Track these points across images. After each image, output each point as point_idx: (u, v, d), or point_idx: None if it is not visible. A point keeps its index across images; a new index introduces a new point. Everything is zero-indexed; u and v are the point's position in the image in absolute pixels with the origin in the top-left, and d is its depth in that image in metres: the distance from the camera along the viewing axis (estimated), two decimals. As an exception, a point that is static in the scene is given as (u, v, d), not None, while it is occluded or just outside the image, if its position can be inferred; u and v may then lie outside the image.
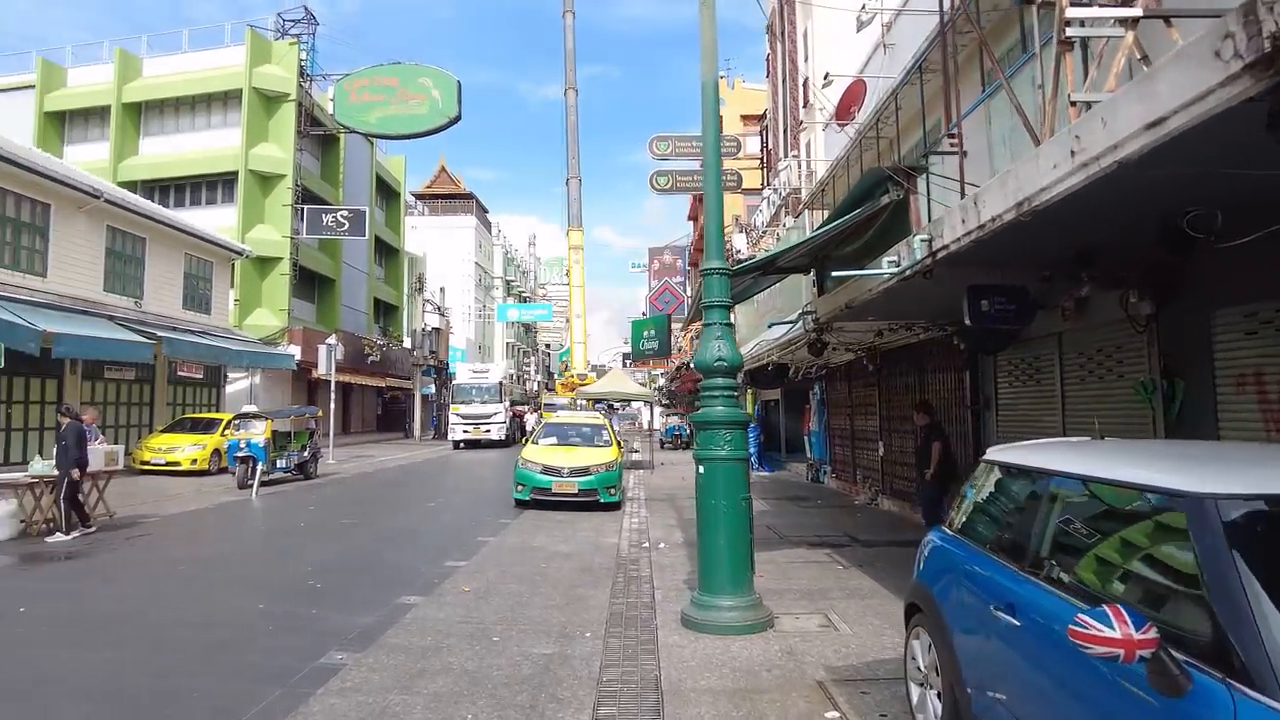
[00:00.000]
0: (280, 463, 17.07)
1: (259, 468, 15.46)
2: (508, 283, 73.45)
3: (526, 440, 14.70)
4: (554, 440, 14.34)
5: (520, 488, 12.90)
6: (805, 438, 18.94)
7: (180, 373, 22.87)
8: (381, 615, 6.20)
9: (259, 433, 16.49)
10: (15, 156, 17.26)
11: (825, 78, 13.56)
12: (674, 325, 40.03)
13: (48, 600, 6.62)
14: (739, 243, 18.41)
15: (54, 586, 7.23)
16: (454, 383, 35.45)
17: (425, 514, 12.58)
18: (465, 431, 32.81)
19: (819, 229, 8.88)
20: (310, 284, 34.77)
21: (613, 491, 12.86)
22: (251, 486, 15.16)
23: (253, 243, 28.93)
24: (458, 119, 31.98)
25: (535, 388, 71.51)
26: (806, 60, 20.55)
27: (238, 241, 27.49)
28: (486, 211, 68.59)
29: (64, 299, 18.21)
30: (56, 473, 10.10)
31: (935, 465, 8.74)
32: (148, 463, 18.47)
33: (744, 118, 35.59)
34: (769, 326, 12.54)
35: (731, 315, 6.81)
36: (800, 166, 20.11)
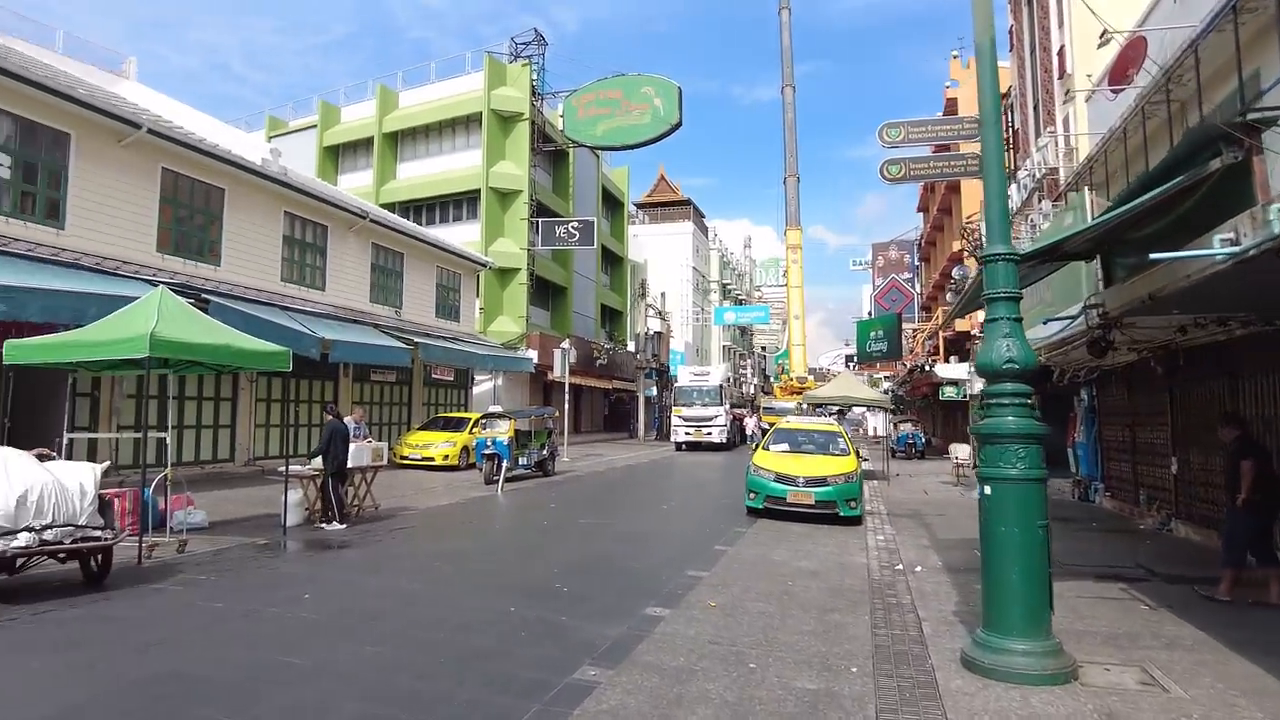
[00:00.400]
0: (522, 460, 17.94)
1: (504, 465, 16.31)
2: (724, 286, 73.48)
3: (755, 446, 14.20)
4: (786, 447, 13.71)
5: (753, 495, 12.43)
6: (1069, 450, 16.75)
7: (434, 375, 24.92)
8: (630, 627, 5.99)
9: (503, 431, 17.41)
10: (304, 186, 19.69)
11: (1101, 36, 11.77)
12: (904, 325, 37.80)
13: (326, 588, 7.12)
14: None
15: (331, 575, 7.79)
16: (675, 385, 35.84)
17: (659, 517, 12.51)
18: (687, 434, 32.98)
19: (1115, 207, 7.56)
20: (545, 292, 36.74)
21: (853, 505, 12.00)
22: (497, 482, 16.01)
23: (494, 255, 31.05)
24: (679, 125, 32.28)
25: (752, 391, 70.91)
26: (1061, 25, 18.29)
27: (481, 254, 29.59)
28: (703, 216, 69.13)
29: (338, 309, 20.42)
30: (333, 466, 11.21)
31: (1247, 489, 7.09)
32: (406, 458, 20.20)
33: (982, 98, 32.70)
34: (1044, 323, 11.08)
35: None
36: (1058, 144, 17.89)
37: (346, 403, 20.99)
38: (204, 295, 14.84)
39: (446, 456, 19.96)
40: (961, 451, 21.08)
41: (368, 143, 37.09)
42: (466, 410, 25.79)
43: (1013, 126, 24.82)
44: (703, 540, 10.22)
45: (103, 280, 13.14)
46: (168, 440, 8.85)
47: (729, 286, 75.31)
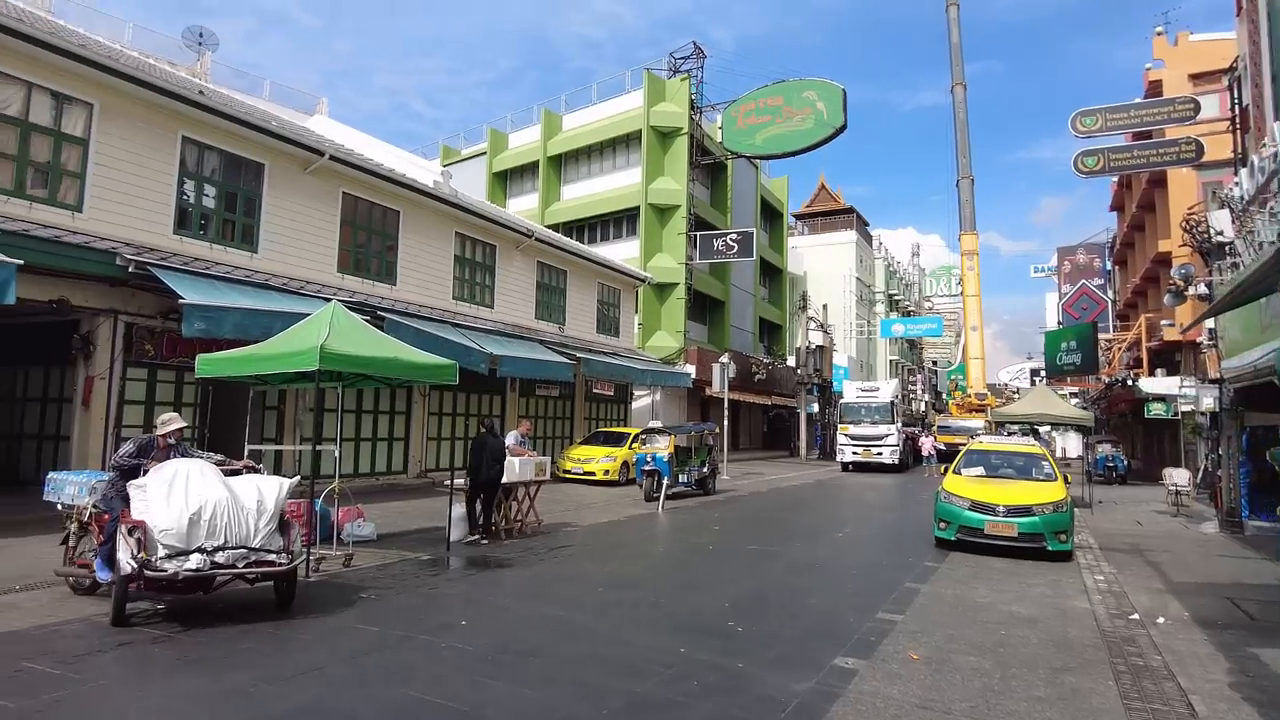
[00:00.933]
0: (682, 477, 17.36)
1: (664, 482, 15.78)
2: (890, 297, 70.07)
3: (943, 469, 12.78)
4: (980, 471, 12.21)
5: (943, 525, 11.09)
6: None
7: (594, 390, 24.96)
8: (819, 681, 5.13)
9: (663, 447, 16.92)
10: (474, 207, 20.27)
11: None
12: (1100, 335, 34.08)
13: (483, 614, 6.73)
14: (1219, 221, 14.26)
15: (490, 598, 7.44)
16: (841, 401, 34.10)
17: (835, 546, 11.43)
18: (855, 453, 31.21)
19: None
20: (702, 306, 36.27)
21: (1062, 538, 10.40)
22: (658, 500, 15.50)
23: (652, 270, 30.92)
24: (843, 128, 30.94)
25: (922, 408, 66.87)
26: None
27: (640, 270, 29.53)
28: (866, 224, 66.32)
29: (506, 326, 20.80)
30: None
31: None
32: (568, 472, 20.19)
33: (1194, 77, 28.92)
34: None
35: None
36: (1309, 118, 15.14)
37: (512, 416, 21.33)
38: (379, 312, 15.39)
39: (607, 471, 19.76)
40: (1179, 477, 18.38)
41: (533, 167, 38.25)
42: (625, 425, 25.63)
43: (1239, 104, 21.66)
44: (889, 575, 9.11)
45: (288, 299, 13.86)
46: (335, 453, 8.94)
47: (896, 297, 71.84)
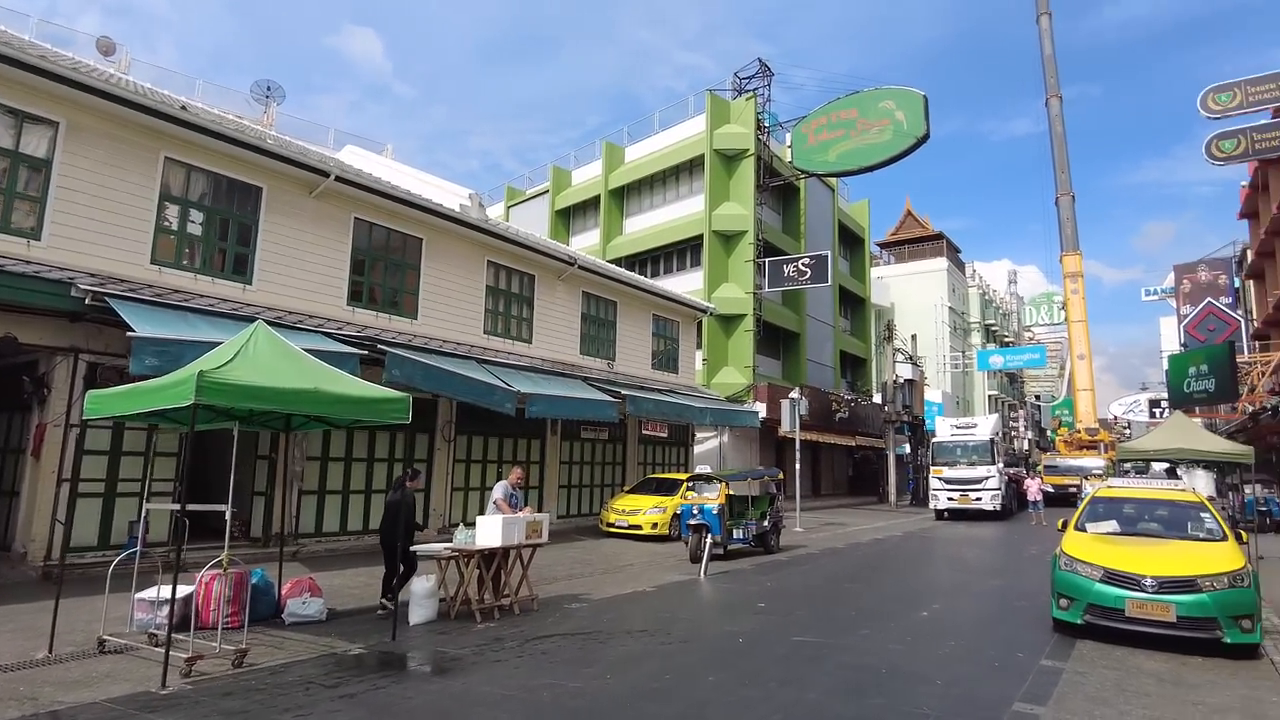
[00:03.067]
0: (736, 533, 14.77)
1: (709, 540, 13.24)
2: (986, 327, 65.31)
3: (1064, 524, 9.80)
4: (1113, 526, 9.20)
5: (1065, 602, 8.18)
6: None
7: (645, 431, 22.63)
8: None
9: (714, 497, 14.42)
10: (507, 233, 18.55)
11: None
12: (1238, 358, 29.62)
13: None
14: None
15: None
16: (933, 440, 30.58)
17: (915, 634, 8.57)
18: (950, 499, 27.67)
19: None
20: (775, 340, 33.62)
21: (1247, 625, 7.35)
22: (702, 560, 12.98)
23: (717, 301, 28.61)
24: (926, 137, 28.14)
25: (1025, 446, 61.41)
26: None
27: (702, 300, 27.24)
28: (959, 251, 62.23)
29: (546, 362, 18.82)
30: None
31: None
32: (613, 525, 17.84)
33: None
34: None
35: None
36: None
37: (553, 462, 19.26)
38: (380, 345, 13.59)
39: (655, 525, 17.27)
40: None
41: (595, 202, 36.82)
42: (686, 471, 23.12)
43: None
44: (990, 688, 6.35)
45: (280, 334, 12.19)
46: (227, 513, 6.88)
47: (993, 328, 66.99)
